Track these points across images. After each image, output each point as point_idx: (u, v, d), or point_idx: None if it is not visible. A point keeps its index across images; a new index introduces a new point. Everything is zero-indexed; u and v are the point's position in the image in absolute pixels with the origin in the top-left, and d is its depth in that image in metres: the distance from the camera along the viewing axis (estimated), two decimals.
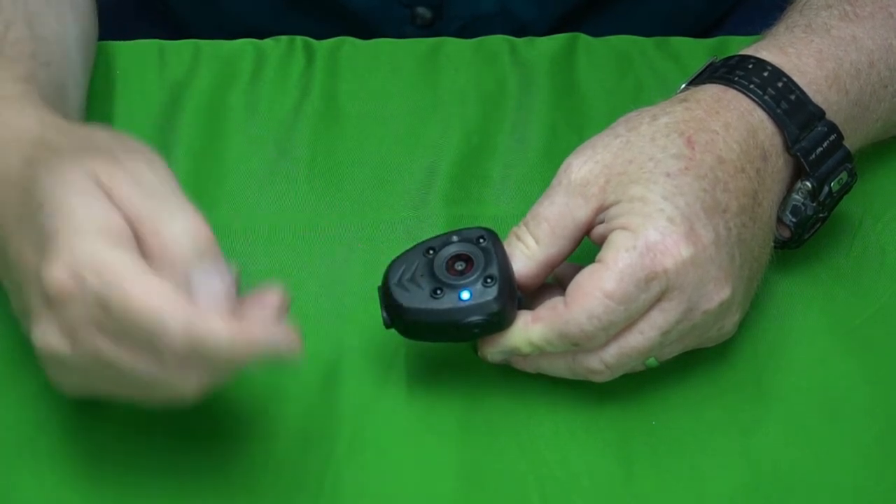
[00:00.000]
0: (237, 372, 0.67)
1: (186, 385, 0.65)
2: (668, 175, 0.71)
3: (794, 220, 0.76)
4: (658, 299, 0.70)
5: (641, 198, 0.71)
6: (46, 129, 0.71)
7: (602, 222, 0.72)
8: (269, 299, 0.66)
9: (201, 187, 0.83)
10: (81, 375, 0.67)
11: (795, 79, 0.76)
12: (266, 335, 0.64)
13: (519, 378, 0.75)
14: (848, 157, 0.77)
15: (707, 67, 0.79)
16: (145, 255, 0.65)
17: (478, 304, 0.70)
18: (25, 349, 0.76)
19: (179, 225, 0.65)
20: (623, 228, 0.71)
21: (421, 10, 0.99)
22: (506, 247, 0.73)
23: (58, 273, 0.64)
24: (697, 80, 0.78)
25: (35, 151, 0.69)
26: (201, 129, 0.86)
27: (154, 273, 0.64)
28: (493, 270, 0.71)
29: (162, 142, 0.85)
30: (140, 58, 0.89)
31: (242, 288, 0.78)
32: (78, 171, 0.66)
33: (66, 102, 0.79)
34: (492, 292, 0.71)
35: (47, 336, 0.66)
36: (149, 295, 0.63)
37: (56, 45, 0.80)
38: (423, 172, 0.85)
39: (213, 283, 0.66)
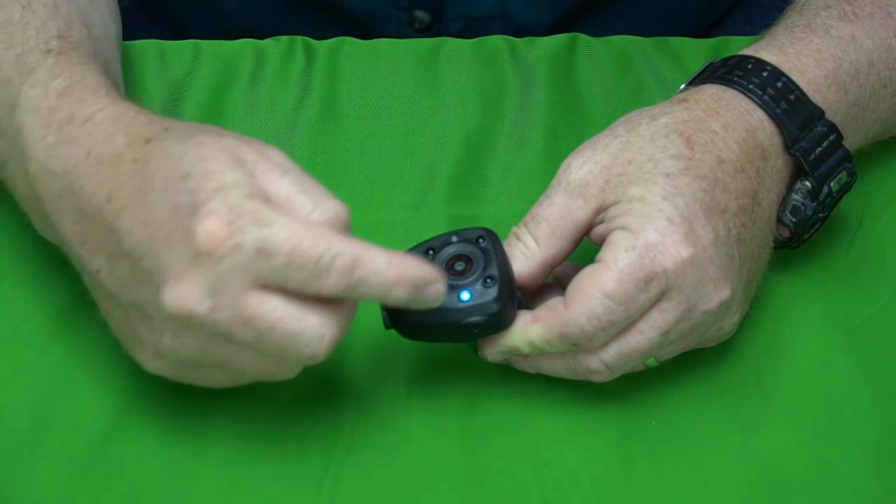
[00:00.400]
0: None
1: (315, 346, 0.67)
2: (667, 175, 0.71)
3: (793, 219, 0.76)
4: (658, 299, 0.70)
5: (641, 198, 0.71)
6: (150, 115, 0.72)
7: (601, 222, 0.72)
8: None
9: None
10: (197, 347, 0.68)
11: (795, 79, 0.76)
12: (420, 269, 0.67)
13: (519, 378, 0.75)
14: (847, 156, 0.77)
15: (706, 67, 0.79)
16: None
17: (478, 305, 0.70)
18: (26, 349, 0.76)
19: (325, 209, 0.68)
20: (623, 229, 0.71)
21: (419, 13, 0.99)
22: (505, 247, 0.73)
23: (212, 224, 0.65)
24: (697, 80, 0.78)
25: (148, 131, 0.70)
26: None
27: (309, 224, 0.66)
28: (493, 271, 0.71)
29: None
30: (140, 58, 0.89)
31: None
32: (220, 148, 0.67)
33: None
34: (492, 293, 0.71)
35: (188, 294, 0.66)
36: (312, 232, 0.65)
37: (106, 45, 0.81)
38: (423, 172, 0.85)
39: None
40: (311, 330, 0.66)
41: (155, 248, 0.67)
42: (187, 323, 0.67)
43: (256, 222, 0.65)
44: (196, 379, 0.71)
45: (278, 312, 0.66)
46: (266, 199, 0.67)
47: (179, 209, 0.66)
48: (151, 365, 0.70)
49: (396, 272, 0.66)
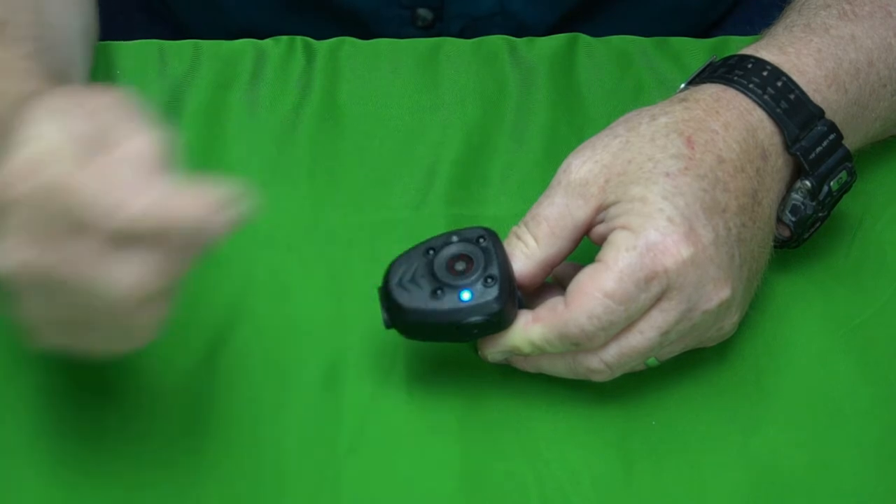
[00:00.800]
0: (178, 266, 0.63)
1: (129, 280, 0.62)
2: (667, 175, 0.71)
3: (793, 219, 0.76)
4: (658, 299, 0.70)
5: (641, 198, 0.71)
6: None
7: (602, 222, 0.72)
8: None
9: None
10: (46, 302, 0.64)
11: (795, 78, 0.76)
12: (193, 207, 0.61)
13: (519, 378, 0.75)
14: (847, 156, 0.76)
15: (706, 67, 0.79)
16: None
17: (478, 305, 0.70)
18: (26, 349, 0.76)
19: (136, 140, 0.64)
20: (623, 228, 0.71)
21: (422, 11, 0.99)
22: (506, 247, 0.73)
23: (7, 173, 0.62)
24: (697, 79, 0.78)
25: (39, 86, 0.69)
26: (201, 129, 0.86)
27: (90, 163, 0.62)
28: (494, 270, 0.71)
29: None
30: (140, 58, 0.89)
31: (238, 289, 0.78)
32: (47, 103, 0.65)
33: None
34: (492, 292, 0.71)
35: (15, 248, 0.63)
36: (84, 177, 0.61)
37: (60, 33, 0.80)
38: (423, 172, 0.85)
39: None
40: (112, 269, 0.62)
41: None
42: (24, 276, 0.63)
43: (41, 167, 0.61)
44: (78, 343, 0.67)
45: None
46: (69, 139, 0.63)
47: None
48: (37, 340, 0.67)
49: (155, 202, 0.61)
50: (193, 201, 0.61)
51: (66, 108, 0.65)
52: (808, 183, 0.76)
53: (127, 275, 0.62)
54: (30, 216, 0.62)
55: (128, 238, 0.61)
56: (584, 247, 0.74)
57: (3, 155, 0.64)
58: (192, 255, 0.63)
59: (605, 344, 0.71)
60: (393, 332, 0.73)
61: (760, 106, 0.75)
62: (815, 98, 0.76)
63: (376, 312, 0.73)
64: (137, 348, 0.67)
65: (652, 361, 0.73)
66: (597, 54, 0.90)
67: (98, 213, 0.60)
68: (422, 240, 0.74)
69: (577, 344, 0.71)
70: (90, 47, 0.86)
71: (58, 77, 0.76)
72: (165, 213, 0.61)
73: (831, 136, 0.76)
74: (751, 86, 0.75)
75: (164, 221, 0.61)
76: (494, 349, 0.73)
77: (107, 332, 0.66)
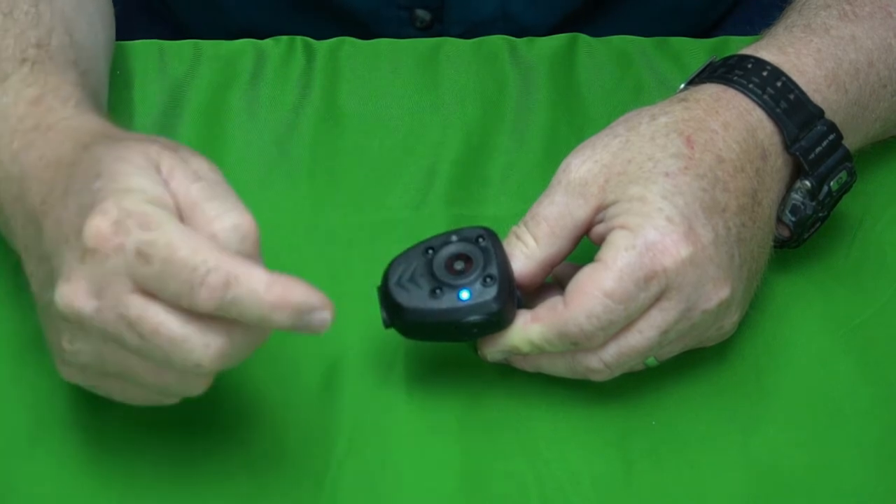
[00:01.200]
0: (254, 346, 0.66)
1: (200, 353, 0.65)
2: (667, 174, 0.71)
3: (793, 219, 0.76)
4: (657, 299, 0.70)
5: (641, 197, 0.71)
6: (104, 126, 0.72)
7: (601, 221, 0.72)
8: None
9: None
10: (92, 352, 0.67)
11: (794, 78, 0.76)
12: (306, 294, 0.64)
13: (519, 377, 0.75)
14: (847, 156, 0.76)
15: (706, 67, 0.79)
16: None
17: (477, 304, 0.70)
18: (26, 350, 0.76)
19: (232, 219, 0.66)
20: (622, 228, 0.71)
21: (420, 12, 0.99)
22: (505, 246, 0.73)
23: (100, 222, 0.64)
24: (697, 79, 0.78)
25: (91, 139, 0.70)
26: (201, 129, 0.86)
27: (195, 231, 0.64)
28: (493, 270, 0.71)
29: None
30: (140, 58, 0.89)
31: None
32: (140, 152, 0.67)
33: (101, 110, 0.79)
34: (491, 292, 0.71)
35: (75, 294, 0.65)
36: (193, 243, 0.63)
37: (91, 53, 0.81)
38: (423, 172, 0.85)
39: None
40: (195, 336, 0.64)
41: (59, 247, 0.66)
42: (78, 324, 0.66)
43: (141, 225, 0.64)
44: (108, 390, 0.70)
45: (161, 317, 0.64)
46: (170, 205, 0.66)
47: (82, 209, 0.66)
48: (62, 371, 0.70)
49: (276, 296, 0.63)
50: (301, 293, 0.64)
51: (167, 164, 0.67)
52: (807, 183, 0.76)
53: (208, 348, 0.64)
54: (111, 264, 0.64)
55: (225, 312, 0.64)
56: (584, 246, 0.74)
57: (77, 193, 0.66)
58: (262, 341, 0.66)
59: (604, 343, 0.71)
60: (392, 332, 0.73)
61: (760, 106, 0.75)
62: (815, 98, 0.76)
63: (376, 312, 0.73)
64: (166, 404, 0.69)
65: (651, 361, 0.73)
66: (597, 54, 0.90)
67: (207, 283, 0.63)
68: (421, 239, 0.74)
69: (576, 343, 0.71)
70: (111, 57, 0.86)
71: (95, 100, 0.76)
72: (276, 299, 0.63)
73: (831, 137, 0.76)
74: (750, 86, 0.75)
75: (273, 306, 0.63)
76: (494, 349, 0.73)
77: (149, 389, 0.68)
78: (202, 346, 0.64)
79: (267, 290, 0.63)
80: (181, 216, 0.66)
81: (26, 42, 0.76)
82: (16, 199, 0.71)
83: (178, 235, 0.64)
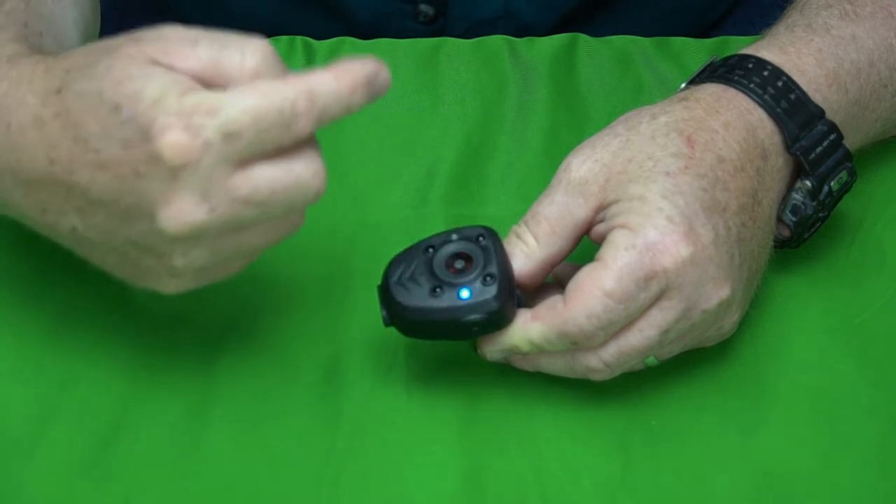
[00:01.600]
0: None
1: (320, 185, 0.67)
2: (667, 174, 0.71)
3: (793, 219, 0.76)
4: (657, 298, 0.70)
5: (641, 197, 0.71)
6: (45, 62, 0.70)
7: (602, 221, 0.72)
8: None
9: None
10: (208, 252, 0.67)
11: (795, 78, 0.76)
12: (362, 66, 0.66)
13: (519, 377, 0.75)
14: (848, 156, 0.76)
15: (707, 67, 0.79)
16: None
17: (477, 303, 0.70)
18: (27, 348, 0.76)
19: (253, 53, 0.66)
20: (622, 227, 0.71)
21: (423, 7, 0.99)
22: (505, 246, 0.73)
23: (172, 138, 0.64)
24: (697, 79, 0.78)
25: (52, 81, 0.69)
26: None
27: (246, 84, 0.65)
28: (493, 269, 0.71)
29: None
30: None
31: (238, 289, 0.78)
32: (124, 62, 0.66)
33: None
34: (491, 291, 0.71)
35: (181, 211, 0.65)
36: (262, 94, 0.64)
37: (51, 22, 0.80)
38: (423, 172, 0.85)
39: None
40: (303, 172, 0.66)
41: (127, 184, 0.66)
42: (194, 235, 0.66)
43: (208, 113, 0.64)
44: (215, 278, 0.70)
45: (269, 176, 0.65)
46: (195, 83, 0.66)
47: (130, 141, 0.65)
48: (170, 287, 0.70)
49: (347, 82, 0.65)
50: (359, 68, 0.66)
51: (156, 53, 0.67)
52: (808, 183, 0.76)
53: (316, 175, 0.66)
54: (206, 164, 0.64)
55: (320, 124, 0.66)
56: (585, 246, 0.74)
57: (105, 135, 0.66)
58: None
59: (604, 343, 0.71)
60: (393, 332, 0.73)
61: (761, 105, 0.75)
62: (816, 98, 0.76)
63: (376, 312, 0.73)
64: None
65: (651, 361, 0.73)
66: (597, 54, 0.91)
67: (297, 113, 0.64)
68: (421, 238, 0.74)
69: (576, 343, 0.71)
70: (86, 36, 0.85)
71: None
72: (349, 84, 0.65)
73: (832, 136, 0.76)
74: (751, 85, 0.75)
75: (351, 91, 0.65)
76: (493, 348, 0.73)
77: (256, 250, 0.69)
78: (312, 174, 0.66)
79: (338, 82, 0.65)
80: (208, 84, 0.66)
81: None
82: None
83: (242, 96, 0.64)
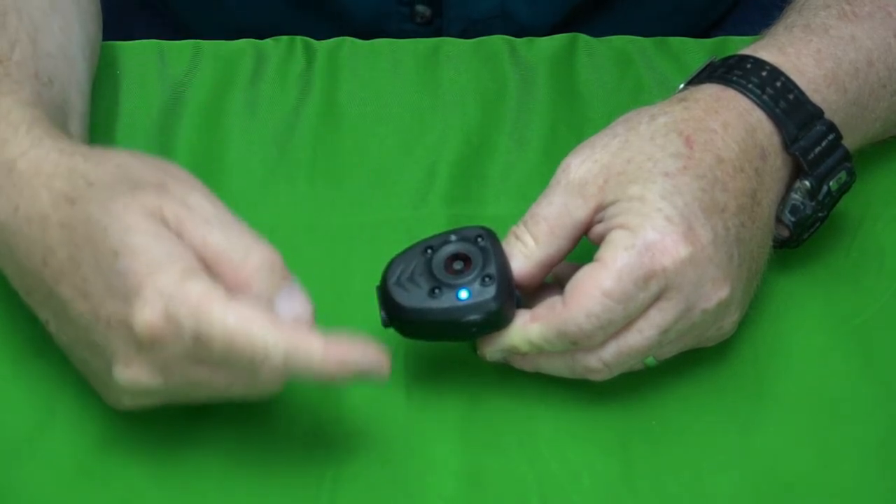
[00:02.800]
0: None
1: (270, 384, 0.68)
2: (666, 174, 0.71)
3: (793, 219, 0.76)
4: (657, 299, 0.70)
5: (640, 197, 0.71)
6: (72, 160, 0.71)
7: (601, 222, 0.72)
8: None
9: None
10: (158, 399, 0.70)
11: (794, 78, 0.76)
12: (362, 355, 0.67)
13: (519, 377, 0.75)
14: (847, 156, 0.76)
15: (706, 67, 0.78)
16: (227, 288, 0.67)
17: (476, 304, 0.70)
18: (26, 349, 0.76)
19: (256, 257, 0.68)
20: (621, 227, 0.71)
21: (420, 7, 0.99)
22: (504, 246, 0.73)
23: (150, 317, 0.65)
24: (696, 79, 0.78)
25: (70, 187, 0.69)
26: (201, 129, 0.86)
27: (244, 302, 0.66)
28: (492, 269, 0.71)
29: (162, 142, 0.86)
30: (140, 58, 0.89)
31: None
32: (139, 210, 0.67)
33: (69, 119, 0.79)
34: (490, 291, 0.71)
35: (139, 377, 0.67)
36: (247, 322, 0.65)
37: (61, 60, 0.80)
38: (423, 172, 0.85)
39: (297, 306, 0.69)
40: (263, 376, 0.67)
41: (98, 326, 0.67)
42: (146, 393, 0.68)
43: (192, 314, 0.65)
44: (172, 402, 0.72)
45: (230, 375, 0.68)
46: (195, 265, 0.67)
47: (115, 291, 0.67)
48: (116, 407, 0.71)
49: (334, 362, 0.66)
50: (356, 354, 0.67)
51: (171, 215, 0.68)
52: (807, 183, 0.76)
53: (270, 384, 0.68)
54: (170, 351, 0.66)
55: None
56: (584, 246, 0.74)
57: (97, 271, 0.67)
58: None
59: (603, 343, 0.71)
60: (393, 332, 0.73)
61: (759, 106, 0.75)
62: (815, 98, 0.76)
63: (375, 312, 0.73)
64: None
65: (650, 361, 0.73)
66: (597, 54, 0.90)
67: (267, 364, 0.66)
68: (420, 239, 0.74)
69: (575, 343, 0.71)
70: (94, 57, 0.85)
71: (57, 114, 0.76)
72: (334, 366, 0.66)
73: (830, 136, 0.76)
74: (750, 86, 0.75)
75: (333, 374, 0.66)
76: (493, 348, 0.73)
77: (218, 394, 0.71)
78: (271, 381, 0.68)
79: (323, 358, 0.66)
80: (205, 266, 0.67)
81: None
82: None
83: (232, 319, 0.65)
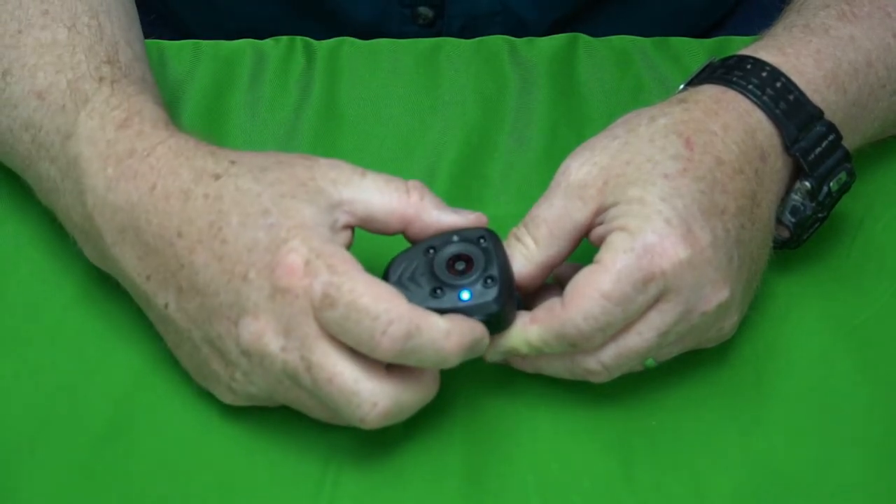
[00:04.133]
0: (418, 406, 0.71)
1: (367, 411, 0.68)
2: (666, 176, 0.71)
3: (793, 220, 0.76)
4: (656, 301, 0.70)
5: (640, 199, 0.71)
6: (210, 146, 0.73)
7: (601, 224, 0.72)
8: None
9: None
10: (265, 386, 0.70)
11: (794, 79, 0.76)
12: (474, 332, 0.69)
13: (519, 378, 0.75)
14: (847, 156, 0.76)
15: (705, 68, 0.78)
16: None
17: (477, 305, 0.70)
18: (27, 349, 0.76)
19: (410, 187, 0.72)
20: (621, 230, 0.70)
21: (422, 9, 0.99)
22: (505, 248, 0.73)
23: (293, 261, 0.67)
24: (696, 80, 0.78)
25: (214, 165, 0.71)
26: (201, 129, 0.86)
27: (380, 281, 0.68)
28: (494, 271, 0.71)
29: None
30: None
31: None
32: (292, 180, 0.70)
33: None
34: (492, 293, 0.71)
35: (263, 332, 0.68)
36: (376, 294, 0.67)
37: (147, 64, 0.82)
38: (423, 172, 0.85)
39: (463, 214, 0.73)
40: (365, 394, 0.68)
41: (232, 283, 0.68)
42: (260, 360, 0.69)
43: (329, 267, 0.67)
44: (264, 404, 0.73)
45: (338, 367, 0.68)
46: (347, 238, 0.70)
47: (257, 245, 0.68)
48: (225, 398, 0.73)
49: (456, 343, 0.68)
50: (473, 334, 0.69)
51: (328, 185, 0.70)
52: (807, 184, 0.76)
53: (375, 407, 0.68)
54: (300, 305, 0.67)
55: (403, 360, 0.68)
56: (585, 247, 0.74)
57: (242, 229, 0.68)
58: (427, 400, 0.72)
59: (602, 345, 0.71)
60: None
61: (759, 107, 0.75)
62: (815, 99, 0.76)
63: None
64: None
65: (650, 363, 0.73)
66: (597, 54, 0.90)
67: (389, 332, 0.67)
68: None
69: (574, 345, 0.71)
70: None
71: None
72: (454, 346, 0.68)
73: (830, 137, 0.76)
74: (750, 87, 0.75)
75: (451, 352, 0.68)
76: (493, 349, 0.73)
77: (309, 413, 0.72)
78: (370, 404, 0.68)
79: (447, 338, 0.67)
80: (375, 227, 0.71)
81: (98, 58, 0.77)
82: (123, 228, 0.72)
83: (363, 282, 0.67)
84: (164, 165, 0.72)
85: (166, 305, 0.71)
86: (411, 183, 0.72)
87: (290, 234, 0.68)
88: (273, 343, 0.68)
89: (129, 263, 0.72)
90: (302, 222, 0.68)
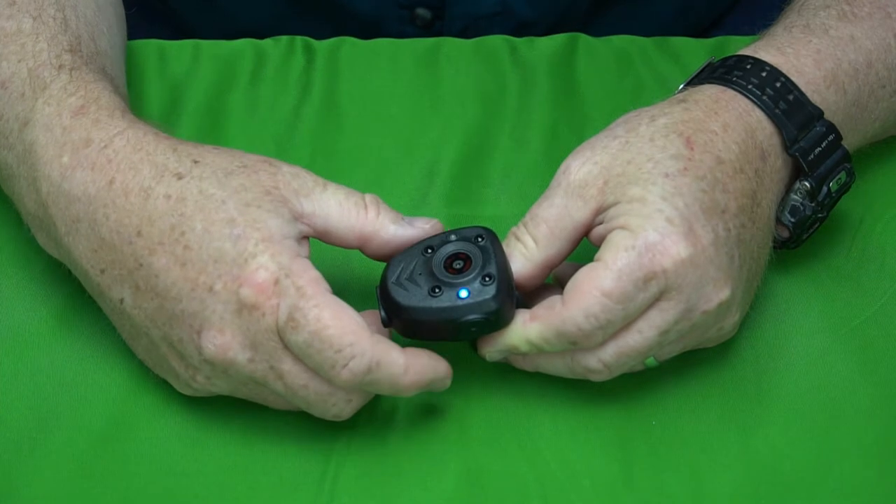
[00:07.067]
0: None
1: (342, 408, 0.70)
2: (666, 176, 0.71)
3: (792, 220, 0.76)
4: (657, 299, 0.70)
5: (640, 198, 0.71)
6: (170, 141, 0.73)
7: (601, 223, 0.72)
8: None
9: None
10: (229, 388, 0.71)
11: (794, 79, 0.76)
12: (434, 370, 0.70)
13: (519, 377, 0.75)
14: (846, 156, 0.76)
15: (705, 68, 0.78)
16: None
17: (476, 303, 0.70)
18: (27, 348, 0.76)
19: (366, 202, 0.73)
20: (622, 228, 0.70)
21: (420, 11, 0.99)
22: (505, 247, 0.73)
23: (262, 279, 0.67)
24: (696, 80, 0.78)
25: (176, 163, 0.71)
26: (201, 129, 0.86)
27: (350, 308, 0.68)
28: (492, 269, 0.71)
29: None
30: (140, 58, 0.90)
31: None
32: (257, 189, 0.70)
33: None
34: (490, 291, 0.71)
35: (229, 345, 0.68)
36: (342, 326, 0.67)
37: (114, 58, 0.81)
38: (423, 172, 0.85)
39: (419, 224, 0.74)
40: (340, 393, 0.70)
41: (196, 292, 0.68)
42: (225, 369, 0.69)
43: (297, 290, 0.67)
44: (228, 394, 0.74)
45: (309, 374, 0.69)
46: (304, 250, 0.70)
47: (223, 256, 0.68)
48: (184, 392, 0.73)
49: (411, 381, 0.69)
50: (431, 370, 0.71)
51: (289, 193, 0.71)
52: (807, 184, 0.76)
53: (350, 403, 0.70)
54: (266, 322, 0.67)
55: (359, 388, 0.70)
56: (585, 247, 0.74)
57: (207, 237, 0.68)
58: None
59: (603, 343, 0.71)
60: (392, 331, 0.73)
61: (759, 107, 0.75)
62: (814, 99, 0.76)
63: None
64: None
65: (651, 362, 0.73)
66: (597, 54, 0.90)
67: (349, 367, 0.68)
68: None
69: (574, 343, 0.71)
70: (125, 62, 0.87)
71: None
72: (411, 382, 0.70)
73: (830, 137, 0.76)
74: (750, 86, 0.75)
75: (408, 387, 0.70)
76: (492, 348, 0.73)
77: (273, 405, 0.74)
78: (345, 401, 0.70)
79: (403, 374, 0.69)
80: (332, 241, 0.71)
81: (59, 47, 0.76)
82: (77, 219, 0.72)
83: (329, 309, 0.67)
84: (122, 159, 0.71)
85: (121, 301, 0.71)
86: (368, 197, 0.73)
87: (258, 249, 0.68)
88: (240, 356, 0.68)
89: (83, 255, 0.72)
90: (269, 235, 0.68)
